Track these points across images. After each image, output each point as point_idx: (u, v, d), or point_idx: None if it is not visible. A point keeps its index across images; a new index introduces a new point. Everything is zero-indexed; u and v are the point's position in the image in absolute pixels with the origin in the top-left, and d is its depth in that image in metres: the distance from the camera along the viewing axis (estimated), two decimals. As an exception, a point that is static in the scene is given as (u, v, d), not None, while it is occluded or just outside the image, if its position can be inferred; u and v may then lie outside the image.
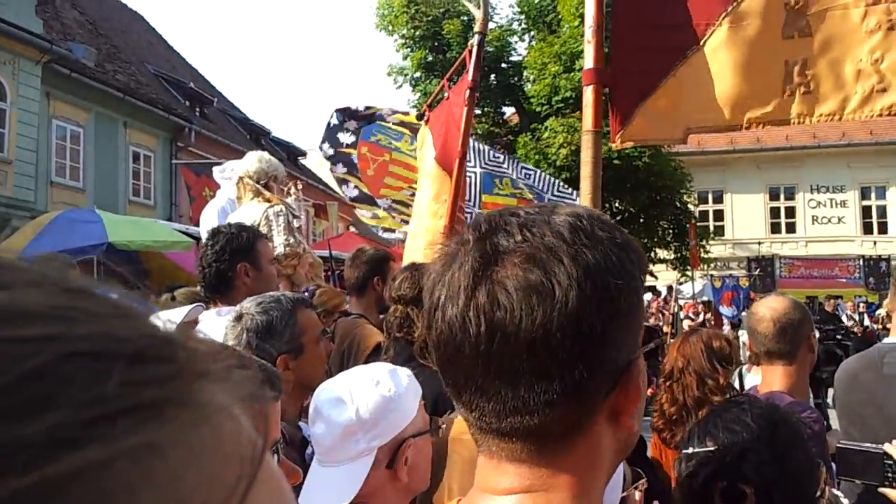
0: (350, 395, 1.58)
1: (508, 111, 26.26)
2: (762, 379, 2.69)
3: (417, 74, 24.13)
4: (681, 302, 18.83)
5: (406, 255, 5.08)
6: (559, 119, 21.34)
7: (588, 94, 2.65)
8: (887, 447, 1.54)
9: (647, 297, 20.30)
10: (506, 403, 0.78)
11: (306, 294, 3.82)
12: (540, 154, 21.79)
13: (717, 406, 1.49)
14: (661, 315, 17.30)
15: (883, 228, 28.88)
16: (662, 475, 3.27)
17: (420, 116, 6.44)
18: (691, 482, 1.33)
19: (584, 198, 2.53)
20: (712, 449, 1.33)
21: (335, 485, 1.55)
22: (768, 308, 2.64)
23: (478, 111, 25.47)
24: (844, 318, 17.19)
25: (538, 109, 22.63)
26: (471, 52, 4.77)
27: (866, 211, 29.26)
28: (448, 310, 0.79)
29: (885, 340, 2.82)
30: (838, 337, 11.88)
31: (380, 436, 1.57)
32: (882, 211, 29.14)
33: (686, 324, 15.69)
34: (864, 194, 29.29)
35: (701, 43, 2.68)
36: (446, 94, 5.64)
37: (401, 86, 25.22)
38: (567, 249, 0.77)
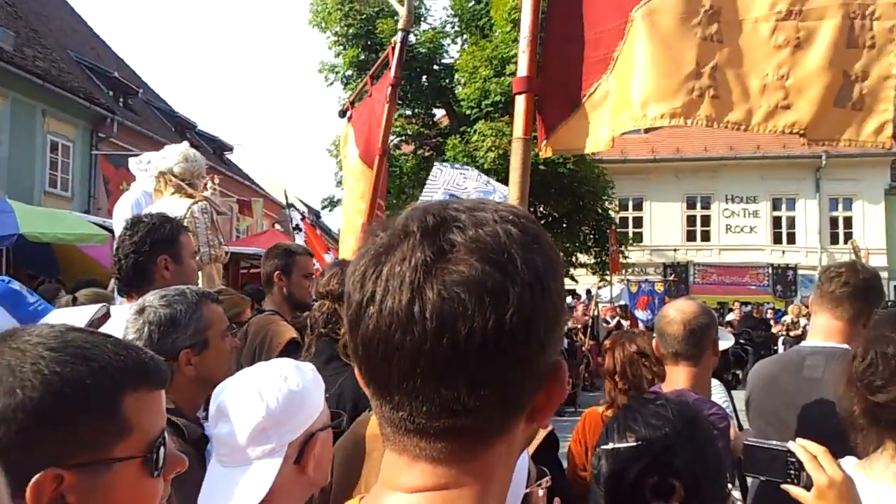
0: (258, 392, 1.54)
1: (439, 113, 26.35)
2: (667, 378, 2.76)
3: (349, 73, 23.98)
4: (600, 306, 19.30)
5: (341, 254, 5.06)
6: (488, 123, 21.56)
7: (520, 102, 2.67)
8: (791, 445, 1.54)
9: (569, 300, 20.77)
10: (443, 404, 0.74)
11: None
12: (468, 157, 21.94)
13: (632, 403, 1.50)
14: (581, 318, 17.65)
15: (791, 239, 30.18)
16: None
17: (343, 114, 6.42)
18: (621, 478, 1.33)
19: (512, 201, 2.54)
20: (636, 444, 1.34)
21: (244, 485, 1.51)
22: (678, 311, 2.71)
23: (408, 112, 25.48)
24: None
25: (468, 112, 22.78)
26: (394, 49, 4.81)
27: (777, 221, 30.51)
28: (387, 305, 0.74)
29: (804, 344, 2.86)
30: (741, 342, 12.48)
31: (291, 431, 1.55)
32: (791, 222, 30.45)
33: (604, 327, 16.11)
34: (776, 205, 30.54)
35: (622, 42, 2.66)
36: (369, 91, 5.66)
37: (332, 83, 25.02)
38: (519, 251, 0.75)
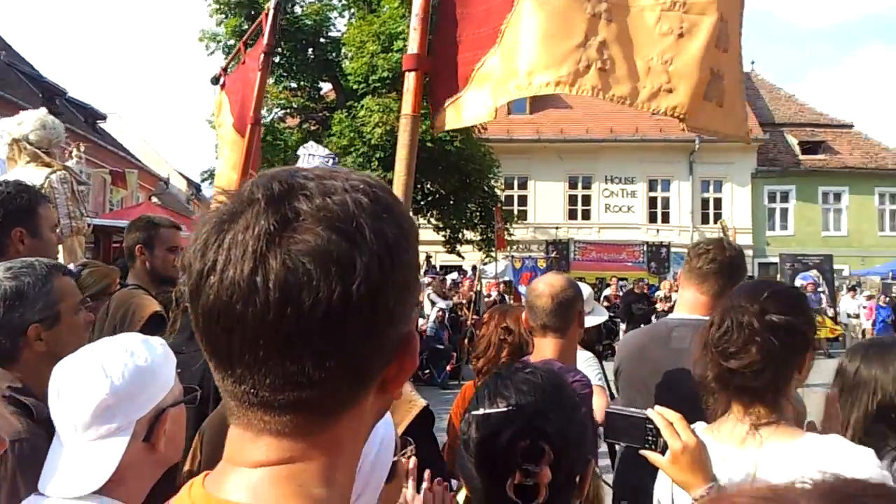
0: (102, 368, 1.47)
1: (326, 87, 25.89)
2: (535, 349, 2.82)
3: (231, 42, 23.16)
4: (484, 281, 19.62)
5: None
6: (375, 98, 21.40)
7: (409, 80, 2.65)
8: (649, 412, 1.61)
9: (455, 276, 21.00)
10: (287, 377, 0.72)
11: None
12: (355, 132, 21.75)
13: (502, 371, 1.50)
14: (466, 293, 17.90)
15: (666, 218, 31.64)
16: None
17: (216, 81, 6.19)
18: (492, 442, 1.33)
19: (398, 178, 2.53)
20: (506, 410, 1.34)
21: (88, 465, 1.45)
22: (547, 285, 2.77)
23: (293, 85, 24.94)
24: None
25: (355, 87, 22.51)
26: (267, 15, 4.67)
27: (653, 201, 31.88)
28: (228, 275, 0.71)
29: (672, 316, 2.98)
30: (611, 315, 13.08)
31: (138, 408, 1.49)
32: (666, 202, 31.90)
33: (486, 301, 16.43)
34: (652, 186, 31.89)
35: (510, 14, 2.65)
36: (242, 59, 5.49)
37: (213, 52, 24.13)
38: (369, 221, 0.74)
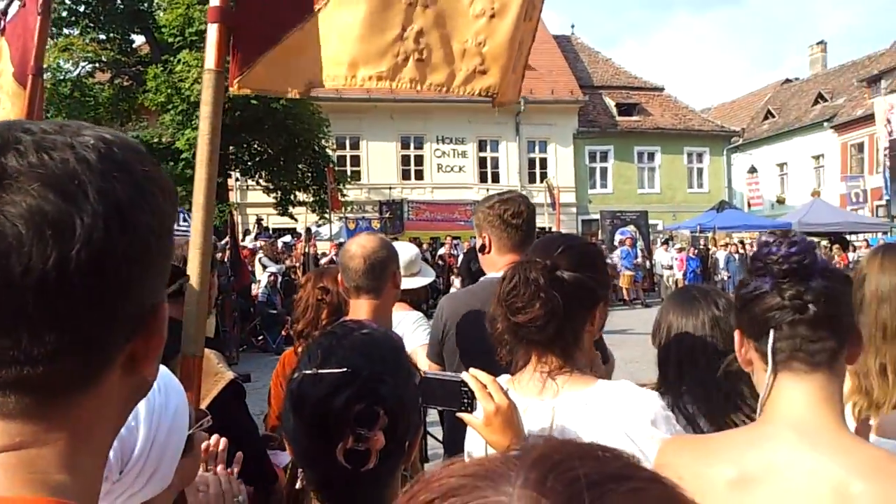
0: None
1: (138, 40, 24.09)
2: (351, 311, 2.78)
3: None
4: (319, 243, 19.24)
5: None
6: (193, 52, 20.10)
7: (212, 33, 2.49)
8: (464, 375, 1.62)
9: (288, 238, 20.43)
10: (3, 353, 0.66)
11: None
12: (173, 88, 20.45)
13: (337, 329, 1.42)
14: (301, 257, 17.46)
15: (496, 178, 32.46)
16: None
17: None
18: (325, 403, 1.25)
19: (202, 138, 2.38)
20: (343, 371, 1.27)
21: None
22: (359, 246, 2.76)
23: (102, 36, 23.07)
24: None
25: (171, 40, 21.10)
26: (48, -51, 4.13)
27: (483, 162, 32.60)
28: None
29: (491, 275, 2.89)
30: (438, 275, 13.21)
31: None
32: (495, 162, 32.72)
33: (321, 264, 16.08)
34: (482, 147, 32.57)
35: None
36: (22, 1, 4.86)
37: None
38: (93, 179, 0.67)
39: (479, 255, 3.05)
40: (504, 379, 1.88)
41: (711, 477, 1.36)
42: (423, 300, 6.10)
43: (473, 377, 1.64)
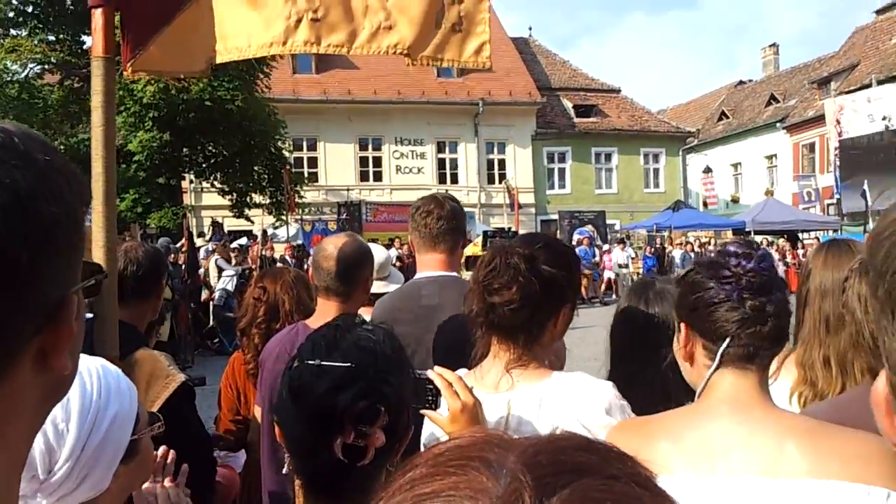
0: None
1: (90, 41, 23.51)
2: (318, 311, 2.71)
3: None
4: (276, 245, 19.00)
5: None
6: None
7: (97, 17, 2.42)
8: (429, 373, 1.64)
9: (244, 241, 20.15)
10: None
11: None
12: (125, 90, 19.99)
13: (340, 322, 1.42)
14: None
15: (455, 179, 32.46)
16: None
17: None
18: (329, 397, 1.25)
19: (95, 130, 2.31)
20: (348, 366, 1.28)
21: None
22: (335, 248, 2.69)
23: (51, 38, 22.52)
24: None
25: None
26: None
27: (441, 163, 32.55)
28: None
29: (419, 275, 2.86)
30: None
31: None
32: (454, 163, 32.70)
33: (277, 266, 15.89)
34: (441, 148, 32.53)
35: None
36: None
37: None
38: None
39: None
40: (462, 372, 1.89)
41: (650, 453, 1.41)
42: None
43: (439, 375, 1.66)
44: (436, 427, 1.70)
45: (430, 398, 1.64)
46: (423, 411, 1.66)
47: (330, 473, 1.26)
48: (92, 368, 1.41)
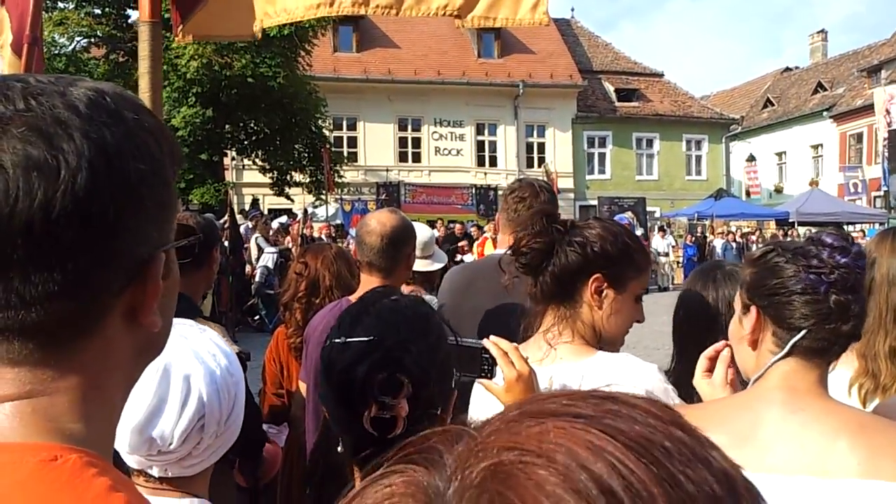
0: None
1: (134, 14, 23.76)
2: (361, 285, 2.74)
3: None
4: (315, 224, 19.08)
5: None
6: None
7: None
8: (485, 342, 1.65)
9: (284, 219, 20.28)
10: None
11: None
12: (169, 65, 20.14)
13: (366, 296, 1.45)
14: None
15: (493, 162, 32.28)
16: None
17: None
18: (350, 372, 1.27)
19: (143, 94, 2.33)
20: (368, 339, 1.29)
21: None
22: (379, 223, 2.71)
23: (97, 11, 22.76)
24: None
25: (167, 16, 20.73)
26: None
27: (480, 145, 32.39)
28: None
29: (498, 251, 2.92)
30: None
31: None
32: (493, 146, 32.51)
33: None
34: (480, 130, 32.35)
35: None
36: None
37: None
38: (80, 124, 0.69)
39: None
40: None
41: None
42: (437, 283, 6.13)
43: (494, 344, 1.66)
44: (489, 396, 1.70)
45: (485, 367, 1.65)
46: (479, 380, 1.67)
47: (368, 447, 1.26)
48: (213, 345, 1.51)
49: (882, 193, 28.36)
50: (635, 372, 1.79)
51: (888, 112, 27.31)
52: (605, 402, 0.44)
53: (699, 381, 1.76)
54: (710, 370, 1.76)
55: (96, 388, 0.74)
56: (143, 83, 2.32)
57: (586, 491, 0.37)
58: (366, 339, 1.30)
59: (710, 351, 1.77)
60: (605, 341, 1.93)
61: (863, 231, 25.06)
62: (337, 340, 1.34)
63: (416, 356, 1.29)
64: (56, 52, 21.68)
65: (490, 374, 1.65)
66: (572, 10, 38.98)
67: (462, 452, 0.41)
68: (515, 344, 1.71)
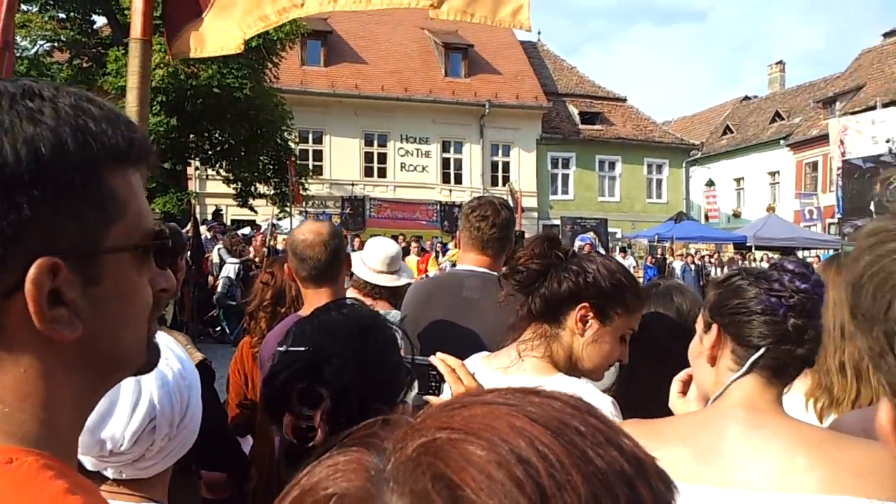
0: None
1: (100, 21, 23.48)
2: (308, 301, 2.66)
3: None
4: (280, 237, 18.95)
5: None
6: (157, 37, 19.54)
7: (137, 0, 2.52)
8: (433, 359, 1.66)
9: (247, 230, 20.11)
10: None
11: None
12: (134, 72, 19.93)
13: (321, 308, 1.47)
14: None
15: (458, 179, 32.41)
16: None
17: None
18: (273, 380, 1.31)
19: (130, 109, 2.34)
20: (304, 349, 1.32)
21: None
22: (316, 234, 2.68)
23: (62, 15, 22.45)
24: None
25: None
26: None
27: (446, 162, 32.50)
28: None
29: (461, 267, 2.95)
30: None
31: None
32: (458, 163, 32.64)
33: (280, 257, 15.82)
34: (445, 147, 32.49)
35: None
36: None
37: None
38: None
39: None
40: (480, 356, 2.01)
41: (664, 457, 1.41)
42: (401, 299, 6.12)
43: (442, 361, 1.67)
44: None
45: (433, 384, 1.65)
46: (425, 397, 1.67)
47: (293, 455, 1.28)
48: (167, 349, 1.47)
49: (836, 220, 29.11)
50: (588, 398, 1.82)
51: (842, 142, 28.12)
52: (528, 395, 0.50)
53: (675, 402, 1.80)
54: (684, 392, 1.80)
55: (29, 395, 0.71)
56: (130, 97, 2.37)
57: (507, 462, 0.42)
58: (303, 349, 1.32)
59: (682, 374, 1.80)
60: (583, 371, 1.95)
61: (818, 256, 25.68)
62: (279, 349, 1.36)
63: (339, 370, 1.28)
64: (18, 55, 21.30)
65: (437, 392, 1.66)
66: (539, 33, 39.45)
67: (399, 435, 0.47)
68: (461, 361, 1.72)
